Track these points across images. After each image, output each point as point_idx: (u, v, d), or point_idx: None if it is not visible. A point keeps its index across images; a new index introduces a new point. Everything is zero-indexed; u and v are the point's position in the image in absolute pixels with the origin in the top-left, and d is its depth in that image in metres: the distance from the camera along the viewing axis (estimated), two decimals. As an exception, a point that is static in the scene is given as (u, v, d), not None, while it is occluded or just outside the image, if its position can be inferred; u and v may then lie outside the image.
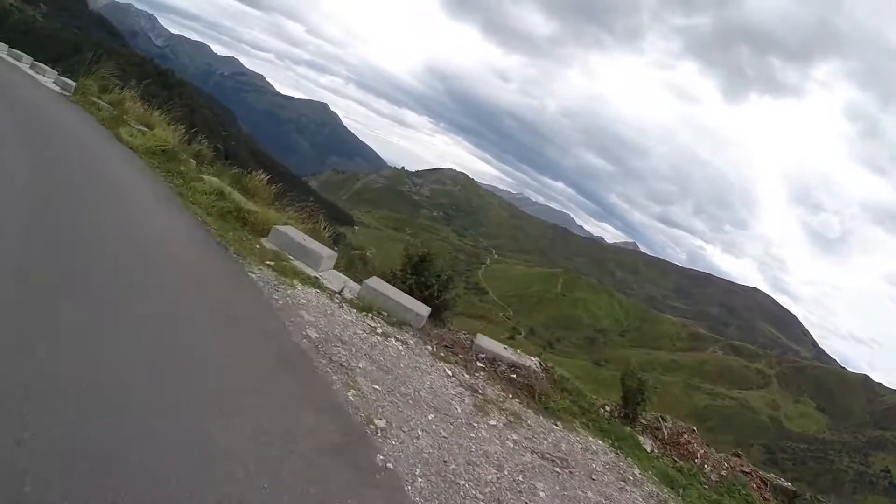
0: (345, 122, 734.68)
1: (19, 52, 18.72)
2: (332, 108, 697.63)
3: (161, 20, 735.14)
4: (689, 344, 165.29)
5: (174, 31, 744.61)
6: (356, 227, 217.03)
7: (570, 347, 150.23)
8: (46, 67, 17.05)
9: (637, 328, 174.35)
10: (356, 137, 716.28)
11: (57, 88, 15.07)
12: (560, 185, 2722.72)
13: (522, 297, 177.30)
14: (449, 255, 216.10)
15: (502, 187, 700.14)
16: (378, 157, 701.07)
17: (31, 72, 16.74)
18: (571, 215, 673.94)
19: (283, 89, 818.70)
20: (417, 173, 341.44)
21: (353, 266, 10.64)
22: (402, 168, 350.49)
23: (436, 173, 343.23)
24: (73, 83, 15.09)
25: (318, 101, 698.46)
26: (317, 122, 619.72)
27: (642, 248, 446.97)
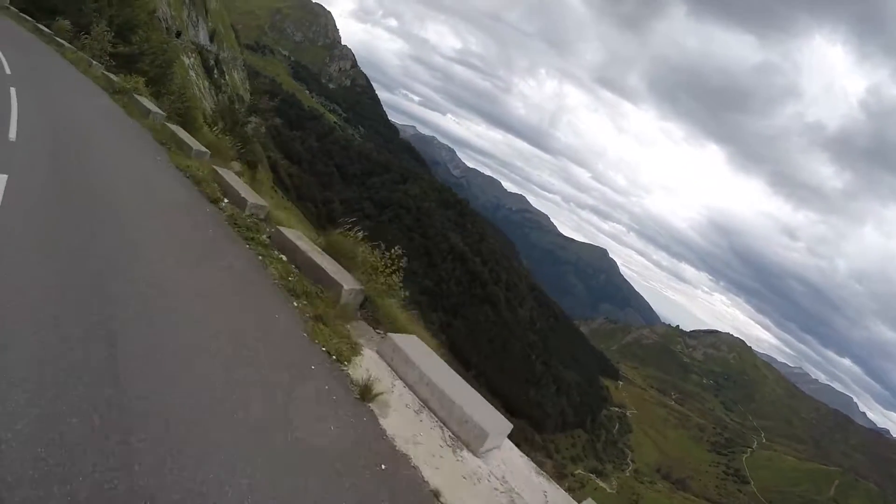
0: (622, 269, 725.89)
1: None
2: (611, 255, 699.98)
3: (459, 154, 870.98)
4: None
5: (470, 164, 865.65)
6: (620, 383, 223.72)
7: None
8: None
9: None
10: (631, 287, 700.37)
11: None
12: (846, 361, 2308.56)
13: (788, 496, 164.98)
14: (713, 430, 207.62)
15: (780, 358, 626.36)
16: (651, 309, 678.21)
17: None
18: (855, 399, 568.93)
19: (565, 231, 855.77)
20: (691, 333, 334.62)
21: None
22: (677, 326, 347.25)
23: (711, 336, 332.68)
24: None
25: (598, 247, 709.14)
26: (594, 266, 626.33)
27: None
